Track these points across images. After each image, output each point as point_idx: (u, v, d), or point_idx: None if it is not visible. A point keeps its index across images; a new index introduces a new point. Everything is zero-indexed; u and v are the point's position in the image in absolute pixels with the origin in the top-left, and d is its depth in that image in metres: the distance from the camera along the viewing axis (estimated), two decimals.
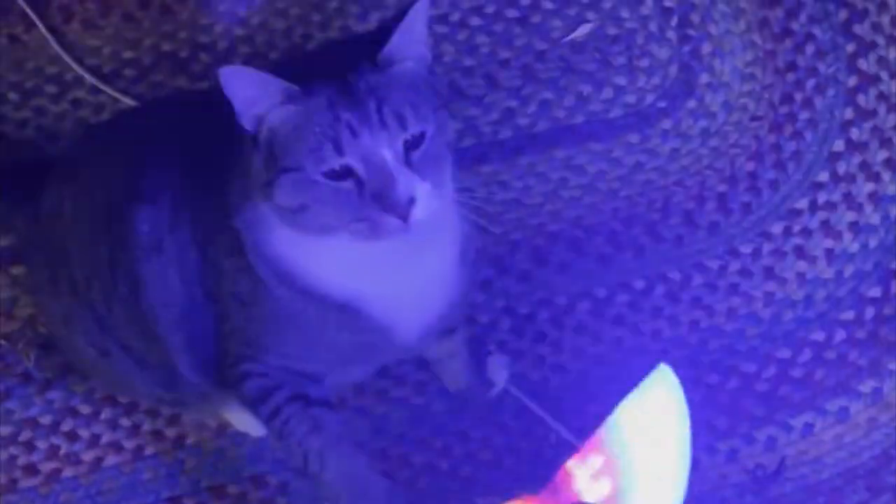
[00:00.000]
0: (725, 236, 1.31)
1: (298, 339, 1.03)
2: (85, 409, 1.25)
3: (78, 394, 1.25)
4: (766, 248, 1.31)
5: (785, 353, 1.28)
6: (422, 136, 0.94)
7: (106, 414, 1.24)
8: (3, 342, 1.26)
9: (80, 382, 1.25)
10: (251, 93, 0.93)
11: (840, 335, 1.28)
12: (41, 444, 1.23)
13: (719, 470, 1.24)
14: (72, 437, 1.24)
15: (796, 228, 1.32)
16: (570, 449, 1.22)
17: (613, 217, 1.32)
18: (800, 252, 1.31)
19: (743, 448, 1.24)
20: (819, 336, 1.28)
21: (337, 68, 0.94)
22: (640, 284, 1.30)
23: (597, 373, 1.26)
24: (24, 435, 1.23)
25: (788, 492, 1.23)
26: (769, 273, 1.30)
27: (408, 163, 0.93)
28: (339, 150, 0.92)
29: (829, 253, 1.31)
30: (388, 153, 0.92)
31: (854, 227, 1.32)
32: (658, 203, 1.32)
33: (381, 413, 1.23)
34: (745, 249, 1.31)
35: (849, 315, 1.29)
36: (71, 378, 1.25)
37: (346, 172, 0.93)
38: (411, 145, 0.93)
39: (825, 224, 1.32)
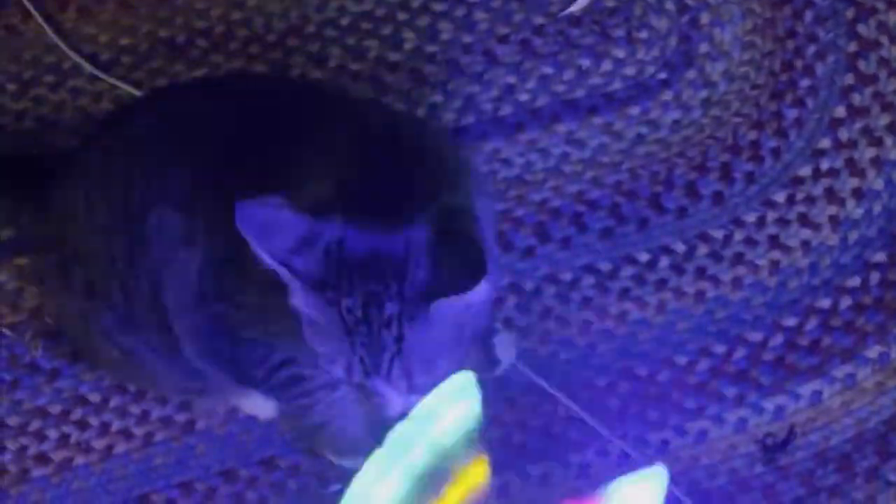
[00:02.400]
0: (729, 206, 1.31)
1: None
2: (94, 398, 1.24)
3: (86, 382, 1.24)
4: (770, 216, 1.30)
5: (791, 322, 1.27)
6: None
7: (115, 402, 1.24)
8: (9, 333, 1.26)
9: (89, 371, 1.24)
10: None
11: (846, 301, 1.28)
12: (51, 434, 1.23)
13: (728, 441, 1.23)
14: (82, 425, 1.24)
15: (800, 196, 1.31)
16: (579, 424, 1.22)
17: (616, 191, 1.31)
18: (804, 220, 1.30)
19: (751, 418, 1.23)
20: (825, 303, 1.28)
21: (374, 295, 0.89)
22: (644, 257, 1.29)
23: (604, 346, 1.26)
24: (34, 425, 1.23)
25: (798, 460, 1.22)
26: (774, 242, 1.29)
27: (409, 389, 0.92)
28: (348, 373, 0.92)
29: (834, 220, 1.30)
30: (388, 389, 0.92)
31: (857, 193, 1.31)
32: (661, 175, 1.31)
33: None
34: (749, 219, 1.30)
35: (854, 281, 1.28)
36: (79, 367, 1.24)
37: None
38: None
39: (828, 191, 1.31)
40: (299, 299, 0.92)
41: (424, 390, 0.93)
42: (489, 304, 0.99)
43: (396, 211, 0.91)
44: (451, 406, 0.91)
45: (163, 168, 1.03)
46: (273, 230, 0.89)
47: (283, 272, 0.90)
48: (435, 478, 0.90)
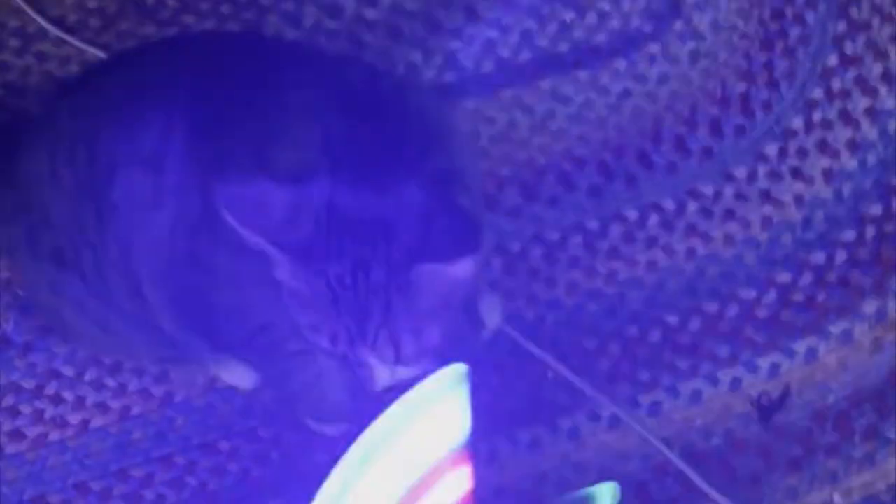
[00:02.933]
0: (719, 161, 1.29)
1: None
2: (68, 371, 1.22)
3: (60, 355, 1.22)
4: (762, 170, 1.28)
5: (785, 277, 1.26)
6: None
7: (90, 375, 1.22)
8: None
9: (62, 344, 1.22)
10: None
11: (841, 256, 1.26)
12: (25, 409, 1.21)
13: (722, 401, 1.22)
14: (56, 399, 1.22)
15: (792, 149, 1.29)
16: (568, 387, 1.20)
17: (603, 147, 1.29)
18: (796, 173, 1.29)
19: (746, 377, 1.22)
20: (819, 258, 1.26)
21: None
22: (633, 215, 1.27)
23: (593, 307, 1.24)
24: (7, 400, 1.21)
25: (794, 419, 1.21)
26: (766, 196, 1.28)
27: (399, 360, 0.91)
28: (333, 342, 0.91)
29: (827, 172, 1.28)
30: (377, 364, 0.91)
31: (851, 144, 1.29)
32: (649, 130, 1.30)
33: None
34: (740, 173, 1.29)
35: (849, 235, 1.27)
36: (52, 340, 1.22)
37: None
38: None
39: (821, 143, 1.29)
40: (285, 272, 0.90)
41: (412, 361, 0.91)
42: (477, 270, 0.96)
43: (386, 171, 0.88)
44: (441, 398, 0.90)
45: (130, 129, 1.00)
46: (258, 210, 0.87)
47: (272, 251, 0.88)
48: (415, 475, 0.89)
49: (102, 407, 1.21)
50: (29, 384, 1.22)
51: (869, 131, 1.29)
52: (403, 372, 0.92)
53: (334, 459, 1.17)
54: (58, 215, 1.05)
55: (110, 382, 1.21)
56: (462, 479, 0.92)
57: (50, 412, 1.21)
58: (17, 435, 1.20)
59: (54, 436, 1.20)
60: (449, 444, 0.91)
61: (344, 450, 1.18)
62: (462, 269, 0.87)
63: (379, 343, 0.90)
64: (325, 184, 0.87)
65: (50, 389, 1.21)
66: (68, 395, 1.21)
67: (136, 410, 1.21)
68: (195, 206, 0.96)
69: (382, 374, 0.93)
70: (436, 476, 0.90)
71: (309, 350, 1.04)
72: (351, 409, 1.16)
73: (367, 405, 1.14)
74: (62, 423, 1.20)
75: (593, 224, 1.27)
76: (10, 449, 1.20)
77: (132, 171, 0.99)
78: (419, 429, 0.89)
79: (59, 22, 1.33)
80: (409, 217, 0.87)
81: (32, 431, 1.20)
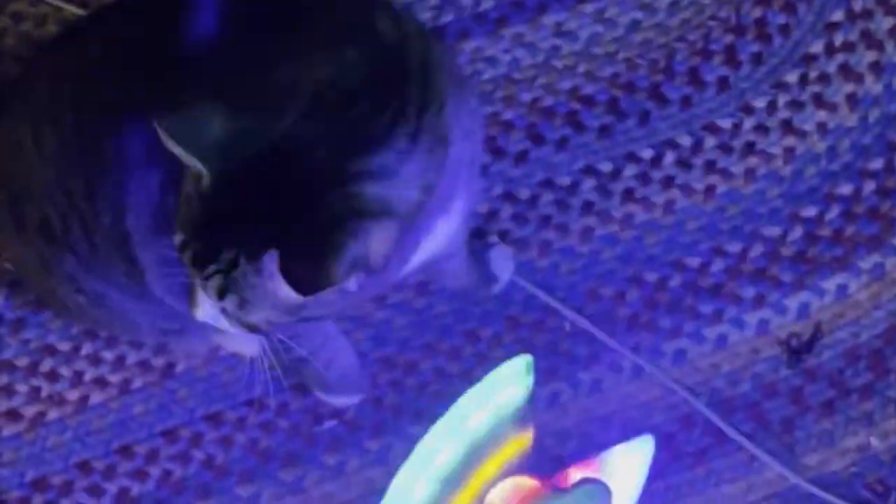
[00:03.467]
0: (736, 92, 1.25)
1: None
2: (64, 346, 1.19)
3: (54, 330, 1.20)
4: (782, 99, 1.25)
5: (811, 212, 1.22)
6: None
7: (87, 349, 1.19)
8: None
9: (56, 318, 1.19)
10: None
11: (869, 186, 1.23)
12: (21, 388, 1.18)
13: (750, 345, 1.19)
14: (53, 377, 1.19)
15: (813, 75, 1.25)
16: (587, 338, 1.16)
17: (613, 84, 1.25)
18: (819, 100, 1.25)
19: (773, 319, 1.19)
20: (846, 189, 1.23)
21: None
22: (647, 154, 1.24)
23: (609, 253, 1.21)
24: (1, 380, 1.18)
25: (826, 360, 1.18)
26: (787, 127, 1.24)
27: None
28: (180, 251, 0.87)
29: (851, 98, 1.24)
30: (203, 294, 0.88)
31: (876, 67, 1.25)
32: (660, 63, 1.26)
33: (381, 320, 1.18)
34: (759, 104, 1.25)
35: (877, 163, 1.23)
36: (45, 314, 1.19)
37: None
38: None
39: (844, 67, 1.26)
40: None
41: (232, 321, 0.89)
42: (466, 218, 0.93)
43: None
44: (509, 386, 0.98)
45: (117, 88, 0.96)
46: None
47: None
48: (485, 447, 0.98)
49: (101, 382, 1.18)
50: (23, 362, 1.19)
51: (893, 53, 1.25)
52: (223, 322, 0.89)
53: (342, 425, 1.14)
54: (42, 184, 1.02)
55: (108, 356, 1.19)
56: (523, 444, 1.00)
57: (46, 390, 1.18)
58: (13, 415, 1.18)
59: (53, 414, 1.18)
60: (514, 425, 1.00)
61: (353, 415, 1.15)
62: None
63: (210, 283, 0.86)
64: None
65: (45, 366, 1.19)
66: (65, 371, 1.19)
67: (136, 384, 1.18)
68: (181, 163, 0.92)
69: (203, 306, 0.89)
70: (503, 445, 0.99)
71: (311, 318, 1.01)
72: (361, 377, 1.12)
73: (371, 371, 1.12)
74: (60, 401, 1.18)
75: (606, 166, 1.23)
76: (8, 430, 1.17)
77: (121, 130, 0.95)
78: (491, 409, 0.98)
79: None
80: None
81: (29, 411, 1.18)
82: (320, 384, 1.14)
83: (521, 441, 0.99)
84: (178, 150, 0.84)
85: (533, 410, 0.99)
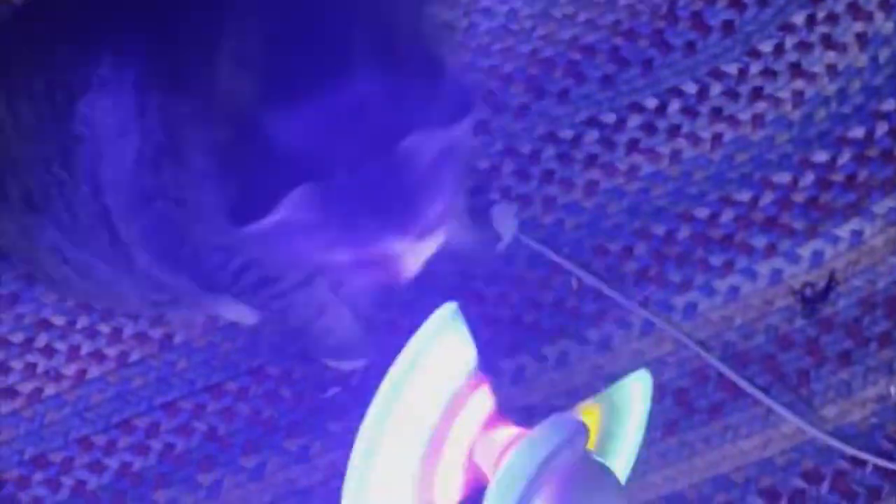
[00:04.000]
0: (742, 35, 1.23)
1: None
2: (58, 321, 1.18)
3: (49, 304, 1.18)
4: (790, 41, 1.22)
5: (822, 157, 1.19)
6: None
7: (82, 322, 1.18)
8: None
9: (48, 292, 1.18)
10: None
11: (882, 128, 1.20)
12: (16, 364, 1.17)
13: (762, 296, 1.16)
14: (48, 352, 1.17)
15: (821, 15, 1.23)
16: (595, 295, 1.14)
17: (614, 31, 1.23)
18: (827, 41, 1.22)
19: (786, 268, 1.16)
20: (858, 132, 1.20)
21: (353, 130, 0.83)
22: (652, 103, 1.21)
23: (615, 207, 1.19)
24: None
25: (842, 309, 1.15)
26: (795, 69, 1.21)
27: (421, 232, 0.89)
28: (354, 247, 0.88)
29: (861, 38, 1.22)
30: (401, 250, 0.89)
31: (885, 4, 1.23)
32: (662, 8, 1.24)
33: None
34: (766, 47, 1.22)
35: (889, 104, 1.20)
36: (39, 288, 1.18)
37: None
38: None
39: (852, 6, 1.23)
40: (292, 206, 0.85)
41: (431, 231, 0.90)
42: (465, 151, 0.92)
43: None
44: (440, 340, 0.90)
45: (85, 54, 0.94)
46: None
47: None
48: (439, 417, 0.89)
49: (98, 355, 1.17)
50: (18, 338, 1.18)
51: None
52: (426, 249, 0.91)
53: (347, 392, 1.12)
54: (21, 155, 1.00)
55: (104, 329, 1.17)
56: (484, 399, 0.92)
57: (43, 365, 1.17)
58: (9, 392, 1.16)
59: (50, 390, 1.16)
60: (462, 373, 0.91)
61: (358, 381, 1.12)
62: (456, 132, 0.86)
63: (394, 219, 0.87)
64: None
65: (41, 341, 1.17)
66: (61, 346, 1.17)
67: (134, 356, 1.16)
68: (156, 129, 0.91)
69: (409, 259, 0.91)
70: (460, 402, 0.91)
71: (307, 284, 0.99)
72: (361, 341, 1.10)
73: (375, 335, 1.09)
74: (57, 376, 1.16)
75: (609, 117, 1.21)
76: (5, 408, 1.16)
77: (91, 98, 0.93)
78: (431, 365, 0.89)
79: None
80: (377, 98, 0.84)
81: (26, 387, 1.16)
82: (322, 350, 1.12)
83: (481, 400, 0.91)
84: None
85: (480, 358, 0.91)
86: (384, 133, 0.84)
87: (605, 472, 0.92)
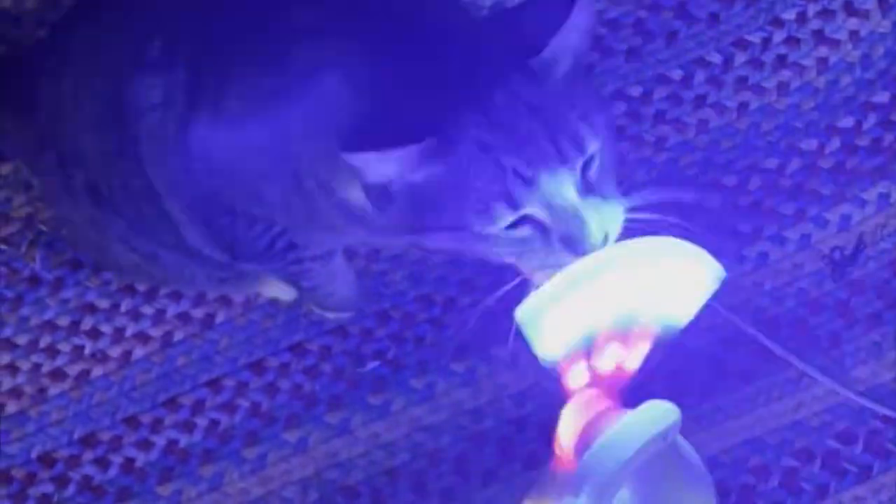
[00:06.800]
0: (765, 4, 1.22)
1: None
2: (103, 304, 1.19)
3: (93, 288, 1.19)
4: (812, 9, 1.22)
5: (848, 122, 1.19)
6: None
7: (126, 305, 1.19)
8: (3, 247, 1.19)
9: (93, 276, 1.19)
10: (384, 171, 0.80)
11: None
12: (64, 347, 1.18)
13: (792, 260, 1.16)
14: (94, 334, 1.18)
15: None
16: None
17: (637, 5, 1.23)
18: (849, 8, 1.21)
19: (815, 232, 1.16)
20: (883, 97, 1.19)
21: (471, 82, 0.79)
22: (677, 74, 1.21)
23: (642, 177, 1.18)
24: (44, 340, 1.18)
25: (871, 271, 1.15)
26: (819, 37, 1.21)
27: (590, 190, 0.81)
28: (513, 206, 0.80)
29: (883, 2, 1.21)
30: (573, 191, 0.80)
31: None
32: None
33: (377, 272, 1.17)
34: (789, 15, 1.22)
35: None
36: (83, 273, 1.19)
37: (524, 220, 0.81)
38: (587, 166, 0.81)
39: None
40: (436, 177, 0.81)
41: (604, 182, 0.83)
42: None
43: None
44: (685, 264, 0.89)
45: (137, 43, 0.95)
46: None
47: (399, 174, 0.81)
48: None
49: (143, 336, 1.18)
50: (64, 321, 1.19)
51: None
52: (612, 213, 0.84)
53: (385, 365, 1.13)
54: (85, 148, 1.01)
55: (147, 310, 1.18)
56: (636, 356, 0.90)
57: (89, 348, 1.18)
58: (58, 374, 1.18)
59: (97, 371, 1.17)
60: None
61: (395, 355, 1.13)
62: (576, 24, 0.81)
63: (561, 146, 0.79)
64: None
65: (86, 324, 1.18)
66: (106, 329, 1.18)
67: (177, 336, 1.17)
68: (209, 100, 0.91)
69: (593, 225, 0.82)
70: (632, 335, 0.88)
71: (321, 256, 1.03)
72: (356, 300, 1.13)
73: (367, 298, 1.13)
74: (103, 358, 1.17)
75: (635, 90, 1.21)
76: (54, 389, 1.17)
77: (142, 77, 0.94)
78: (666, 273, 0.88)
79: None
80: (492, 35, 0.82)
81: (73, 369, 1.18)
82: (320, 305, 1.13)
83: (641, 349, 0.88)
84: None
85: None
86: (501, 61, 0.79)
87: (693, 461, 0.92)
